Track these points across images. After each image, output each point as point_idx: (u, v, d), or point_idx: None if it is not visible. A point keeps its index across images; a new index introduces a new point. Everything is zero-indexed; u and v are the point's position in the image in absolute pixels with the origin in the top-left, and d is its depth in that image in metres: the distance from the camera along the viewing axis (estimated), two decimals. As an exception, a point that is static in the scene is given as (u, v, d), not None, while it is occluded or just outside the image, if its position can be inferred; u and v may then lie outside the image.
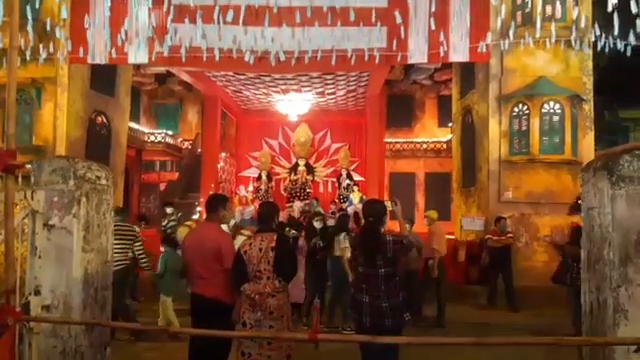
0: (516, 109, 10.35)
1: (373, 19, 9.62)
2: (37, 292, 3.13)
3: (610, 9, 6.77)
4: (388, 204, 4.12)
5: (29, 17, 8.63)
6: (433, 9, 9.44)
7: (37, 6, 9.53)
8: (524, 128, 10.25)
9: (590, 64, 10.34)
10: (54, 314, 3.12)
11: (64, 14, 9.81)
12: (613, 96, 17.06)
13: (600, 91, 12.04)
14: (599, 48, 8.40)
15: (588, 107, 10.32)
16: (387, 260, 3.78)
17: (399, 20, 9.52)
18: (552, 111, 10.11)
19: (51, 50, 9.73)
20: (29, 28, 8.73)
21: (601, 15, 8.48)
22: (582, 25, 9.25)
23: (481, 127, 11.02)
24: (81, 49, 10.02)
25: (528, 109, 10.16)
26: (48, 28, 9.10)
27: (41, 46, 9.54)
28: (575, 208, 4.36)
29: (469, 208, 11.70)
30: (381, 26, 9.82)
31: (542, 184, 10.02)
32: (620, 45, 7.92)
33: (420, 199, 18.85)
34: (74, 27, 10.27)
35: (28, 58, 9.77)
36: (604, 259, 2.96)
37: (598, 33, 8.28)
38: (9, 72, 2.20)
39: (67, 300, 3.15)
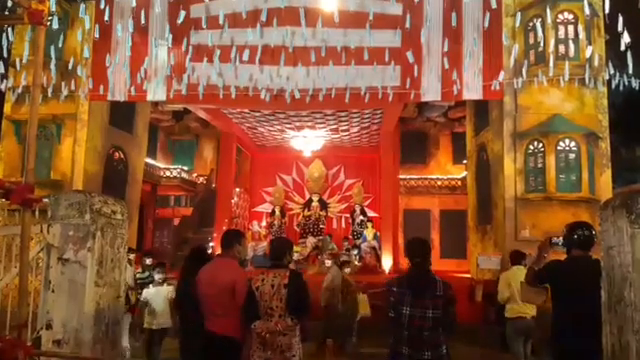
0: (531, 147, 10.31)
1: (387, 58, 9.78)
2: (49, 326, 3.12)
3: (623, 48, 6.81)
4: None
5: (53, 56, 8.95)
6: (446, 49, 9.57)
7: (60, 45, 9.89)
8: (540, 166, 10.18)
9: (605, 102, 10.33)
10: (65, 349, 3.10)
11: (86, 53, 10.15)
12: (629, 133, 16.95)
13: (616, 129, 11.98)
14: (613, 86, 8.41)
15: (604, 145, 10.25)
16: (436, 299, 3.51)
17: (412, 59, 9.67)
18: (568, 149, 10.06)
19: (72, 87, 10.04)
20: (52, 66, 9.05)
21: (614, 54, 8.52)
22: (596, 63, 9.29)
23: (496, 164, 10.98)
24: (101, 87, 10.31)
25: (543, 147, 10.12)
26: (70, 67, 9.40)
27: (63, 84, 9.85)
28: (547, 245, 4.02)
29: (485, 246, 11.53)
30: (395, 65, 9.97)
31: (559, 222, 9.76)
32: (635, 83, 7.93)
33: (435, 236, 18.63)
34: (95, 66, 10.60)
35: (50, 95, 10.08)
36: (625, 300, 2.87)
37: (612, 71, 8.32)
38: (31, 108, 2.26)
39: (78, 335, 3.13)
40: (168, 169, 18.59)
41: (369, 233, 15.29)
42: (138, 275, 9.19)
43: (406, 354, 3.46)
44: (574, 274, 3.57)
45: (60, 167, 11.03)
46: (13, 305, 2.82)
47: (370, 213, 17.04)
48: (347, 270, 8.64)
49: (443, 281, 3.61)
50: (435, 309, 3.49)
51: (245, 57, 9.63)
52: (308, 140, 16.09)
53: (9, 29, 8.05)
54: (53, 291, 3.16)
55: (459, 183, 18.23)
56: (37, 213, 3.08)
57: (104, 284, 3.30)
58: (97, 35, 9.49)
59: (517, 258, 6.68)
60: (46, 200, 3.21)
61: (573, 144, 10.04)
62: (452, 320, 3.59)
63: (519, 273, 6.19)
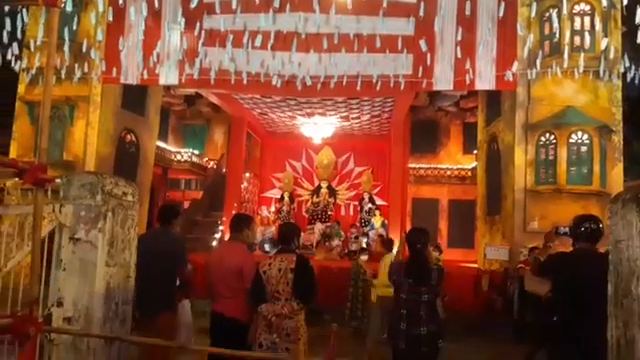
0: (543, 138, 10.23)
1: (399, 46, 9.70)
2: (60, 304, 3.18)
3: (640, 40, 6.71)
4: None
5: (66, 38, 8.99)
6: (459, 37, 9.47)
7: (74, 28, 9.93)
8: (551, 158, 10.11)
9: (619, 95, 10.20)
10: (75, 326, 3.16)
11: (99, 36, 10.18)
12: (643, 127, 16.72)
13: (629, 122, 11.85)
14: (629, 79, 8.30)
15: (617, 138, 10.14)
16: (430, 286, 4.00)
17: (425, 48, 9.59)
18: (580, 141, 9.96)
19: (85, 70, 10.08)
20: (66, 48, 9.10)
21: (630, 46, 8.39)
22: (611, 56, 9.15)
23: (507, 155, 10.91)
24: (114, 69, 10.34)
25: (555, 139, 10.03)
26: (84, 49, 9.43)
27: (76, 66, 9.89)
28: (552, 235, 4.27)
29: (493, 237, 11.51)
30: (407, 53, 9.89)
31: (569, 215, 9.64)
32: (650, 76, 7.82)
33: (443, 226, 18.62)
34: (108, 48, 10.62)
35: (63, 77, 10.14)
36: (632, 294, 2.87)
37: (628, 64, 8.20)
38: (45, 90, 2.29)
39: (88, 313, 3.19)
40: (179, 153, 18.67)
41: (377, 221, 15.31)
42: None
43: (404, 329, 3.92)
44: (578, 267, 3.56)
45: (73, 148, 11.13)
46: (25, 283, 2.88)
47: (379, 201, 17.04)
48: (363, 258, 8.84)
49: (438, 269, 4.15)
50: (429, 293, 4.00)
51: (257, 43, 9.60)
52: (318, 127, 16.08)
53: (23, 10, 8.08)
54: (64, 270, 3.22)
55: (469, 173, 18.16)
56: (49, 193, 3.12)
57: (114, 264, 3.35)
58: (110, 18, 9.48)
59: (390, 245, 7.92)
60: (58, 180, 3.26)
61: (585, 137, 9.94)
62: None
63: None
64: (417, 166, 18.54)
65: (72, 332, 3.07)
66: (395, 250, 7.90)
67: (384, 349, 4.78)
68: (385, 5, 8.96)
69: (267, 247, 12.26)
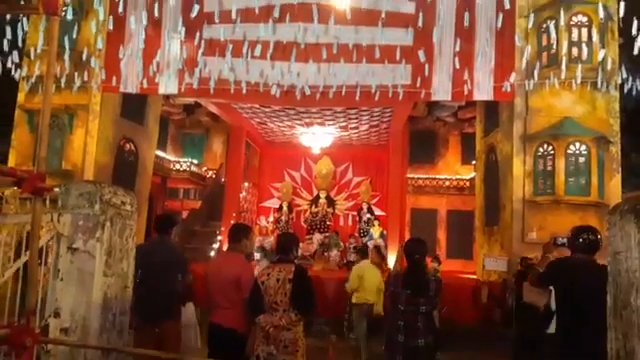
0: (541, 149, 10.25)
1: (398, 56, 9.75)
2: (57, 314, 3.16)
3: (637, 51, 6.76)
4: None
5: (66, 46, 9.01)
6: (458, 48, 9.52)
7: (74, 36, 9.97)
8: (549, 168, 10.12)
9: (617, 106, 10.25)
10: (72, 337, 3.13)
11: (99, 44, 10.20)
12: (641, 139, 16.76)
13: (627, 133, 11.88)
14: (626, 90, 8.35)
15: (615, 149, 10.17)
16: (428, 297, 3.95)
17: (423, 58, 9.64)
18: (578, 152, 9.98)
19: (85, 78, 10.09)
20: (66, 57, 9.12)
21: (627, 57, 8.45)
22: (608, 67, 9.21)
23: (505, 166, 10.93)
24: (114, 78, 10.36)
25: (553, 149, 10.05)
26: (84, 57, 9.46)
27: (76, 74, 9.91)
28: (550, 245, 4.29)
29: (492, 247, 11.49)
30: (406, 63, 9.94)
31: (567, 226, 9.64)
32: (648, 88, 7.86)
33: (442, 237, 18.59)
34: (108, 57, 10.65)
35: (63, 85, 10.16)
36: (631, 305, 2.86)
37: (625, 75, 8.25)
38: (45, 98, 2.28)
39: (85, 324, 3.17)
40: (178, 162, 18.65)
41: (375, 231, 15.28)
42: None
43: (401, 342, 3.87)
44: (577, 276, 3.56)
45: (71, 157, 11.11)
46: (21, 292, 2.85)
47: (377, 211, 17.03)
48: None
49: (436, 280, 4.14)
50: (427, 305, 3.96)
51: (257, 52, 9.64)
52: (317, 137, 16.10)
53: (24, 19, 8.11)
54: (62, 279, 3.20)
55: (467, 184, 18.16)
56: (48, 202, 3.11)
57: (112, 274, 3.33)
58: (111, 26, 9.53)
59: (366, 253, 8.03)
60: (57, 189, 3.24)
61: (583, 148, 9.96)
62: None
63: (370, 267, 7.48)
64: (415, 176, 18.55)
65: (69, 343, 3.04)
66: (369, 259, 7.92)
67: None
68: (384, 16, 9.02)
69: (258, 256, 12.16)
